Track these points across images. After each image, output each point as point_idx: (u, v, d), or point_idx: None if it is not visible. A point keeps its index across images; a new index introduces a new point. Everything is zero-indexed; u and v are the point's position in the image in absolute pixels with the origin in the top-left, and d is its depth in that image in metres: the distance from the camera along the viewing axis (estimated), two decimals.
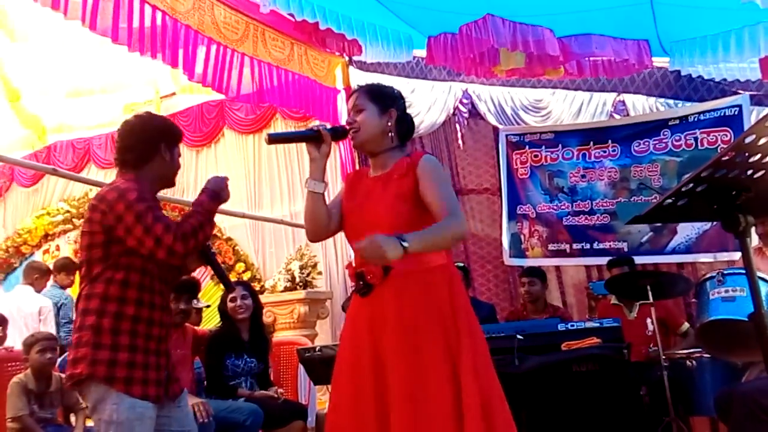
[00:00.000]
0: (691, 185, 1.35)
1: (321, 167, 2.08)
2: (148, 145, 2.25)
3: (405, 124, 2.17)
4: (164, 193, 6.38)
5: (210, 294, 6.39)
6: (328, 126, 2.13)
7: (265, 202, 6.67)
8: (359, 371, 1.96)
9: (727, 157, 1.30)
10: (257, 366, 3.85)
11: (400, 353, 1.90)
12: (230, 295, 3.88)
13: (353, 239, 2.05)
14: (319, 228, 2.11)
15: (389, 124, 2.11)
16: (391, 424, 1.85)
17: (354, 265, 2.08)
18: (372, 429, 1.89)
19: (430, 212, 1.98)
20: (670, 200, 1.38)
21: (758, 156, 1.31)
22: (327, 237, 2.20)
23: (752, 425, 2.04)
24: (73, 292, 6.41)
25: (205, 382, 3.79)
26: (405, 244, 1.77)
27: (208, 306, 4.96)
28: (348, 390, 1.98)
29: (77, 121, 7.38)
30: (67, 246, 7.58)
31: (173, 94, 7.02)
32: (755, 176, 1.38)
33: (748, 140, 1.26)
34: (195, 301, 4.35)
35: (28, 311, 5.13)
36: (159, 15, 4.15)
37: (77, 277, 6.21)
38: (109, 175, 7.47)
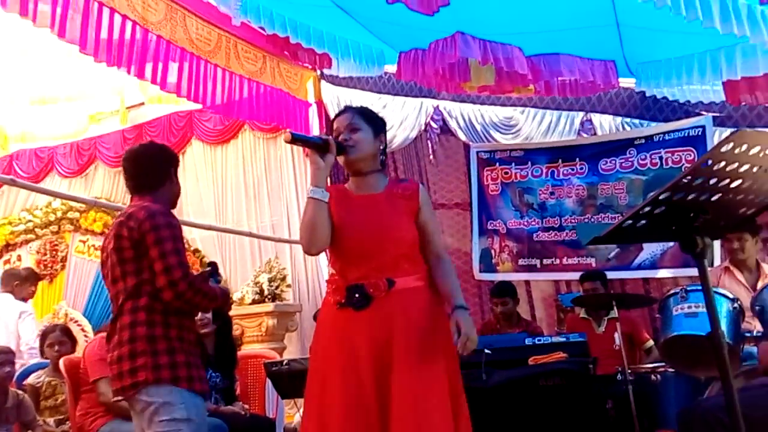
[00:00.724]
0: (649, 208, 1.38)
1: (325, 176, 2.08)
2: (161, 169, 2.49)
3: (386, 150, 2.28)
4: None
5: None
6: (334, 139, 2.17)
7: (233, 214, 6.62)
8: (358, 383, 1.96)
9: (685, 181, 1.33)
10: (222, 381, 3.79)
11: (408, 366, 1.95)
12: None
13: (353, 257, 2.08)
14: (322, 237, 2.07)
15: (380, 147, 2.21)
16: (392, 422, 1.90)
17: (344, 277, 2.08)
18: None
19: (421, 237, 2.15)
20: (629, 222, 1.41)
21: (715, 180, 1.34)
22: (324, 249, 2.16)
23: None
24: (35, 303, 6.26)
25: None
26: (467, 307, 2.07)
27: None
28: (341, 403, 1.96)
29: (41, 130, 7.23)
30: (29, 256, 7.40)
31: (141, 104, 6.94)
32: (712, 199, 1.42)
33: (704, 165, 1.29)
34: None
35: (10, 318, 5.00)
36: (129, 25, 4.12)
37: (40, 288, 6.13)
38: (73, 185, 7.36)
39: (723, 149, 1.24)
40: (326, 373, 2.04)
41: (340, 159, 2.14)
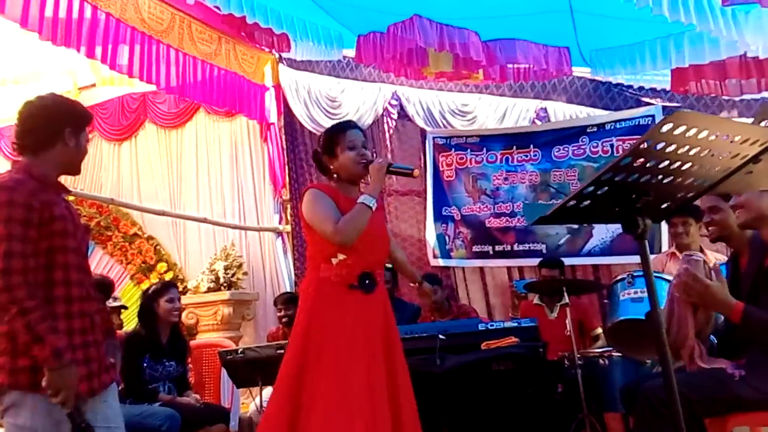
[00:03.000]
0: (591, 188, 1.39)
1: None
2: (51, 129, 2.08)
3: None
4: (83, 188, 6.13)
5: (130, 295, 6.17)
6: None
7: (187, 199, 6.49)
8: (375, 357, 2.33)
9: (625, 162, 1.34)
10: (176, 369, 3.74)
11: (399, 345, 2.46)
12: (167, 296, 3.74)
13: (362, 249, 2.40)
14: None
15: None
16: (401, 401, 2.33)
17: (354, 265, 2.39)
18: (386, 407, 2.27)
19: None
20: (572, 202, 1.42)
21: (655, 161, 1.36)
22: None
23: (654, 418, 2.13)
24: None
25: (122, 386, 3.63)
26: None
27: (125, 307, 4.77)
28: (363, 374, 2.27)
29: None
30: None
31: (93, 85, 6.73)
32: (653, 181, 1.44)
33: (645, 146, 1.30)
34: (111, 300, 4.19)
35: None
36: (76, 2, 3.99)
37: None
38: None
39: (663, 129, 1.26)
40: (345, 345, 2.30)
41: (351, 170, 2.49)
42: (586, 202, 1.43)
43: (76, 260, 2.06)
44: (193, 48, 5.09)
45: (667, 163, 1.38)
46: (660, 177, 1.43)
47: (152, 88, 6.38)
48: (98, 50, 4.29)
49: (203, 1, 4.42)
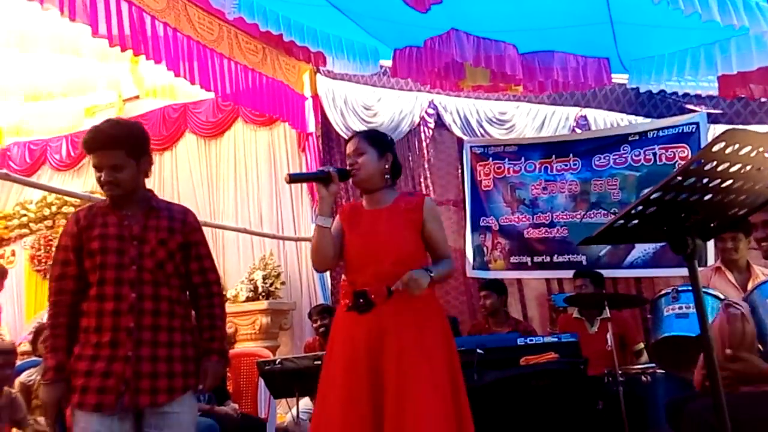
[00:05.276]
0: (640, 207, 1.35)
1: (329, 204, 2.33)
2: None
3: (397, 166, 2.47)
4: None
5: None
6: (335, 168, 2.38)
7: (226, 209, 6.56)
8: (355, 381, 2.18)
9: (676, 181, 1.30)
10: None
11: (397, 368, 2.15)
12: None
13: (357, 265, 2.34)
14: (326, 259, 2.36)
15: (386, 166, 2.41)
16: (386, 424, 2.09)
17: (352, 284, 2.32)
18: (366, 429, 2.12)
19: (427, 246, 2.37)
20: (620, 222, 1.39)
21: (706, 180, 1.32)
22: (333, 267, 2.53)
23: None
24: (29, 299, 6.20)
25: None
26: (432, 274, 2.23)
27: None
28: (340, 398, 2.18)
29: (36, 125, 7.18)
30: (23, 251, 7.34)
31: (136, 97, 6.89)
32: (704, 199, 1.39)
33: (696, 165, 1.26)
34: None
35: None
36: (135, 11, 4.09)
37: (34, 284, 6.04)
38: (66, 178, 7.30)
39: (714, 149, 1.22)
40: (330, 371, 2.28)
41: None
42: (634, 222, 1.40)
43: (115, 275, 2.18)
44: (243, 57, 5.18)
45: (718, 181, 1.34)
46: (710, 195, 1.39)
47: (192, 99, 6.52)
48: (163, 58, 4.38)
49: (243, 17, 4.49)
